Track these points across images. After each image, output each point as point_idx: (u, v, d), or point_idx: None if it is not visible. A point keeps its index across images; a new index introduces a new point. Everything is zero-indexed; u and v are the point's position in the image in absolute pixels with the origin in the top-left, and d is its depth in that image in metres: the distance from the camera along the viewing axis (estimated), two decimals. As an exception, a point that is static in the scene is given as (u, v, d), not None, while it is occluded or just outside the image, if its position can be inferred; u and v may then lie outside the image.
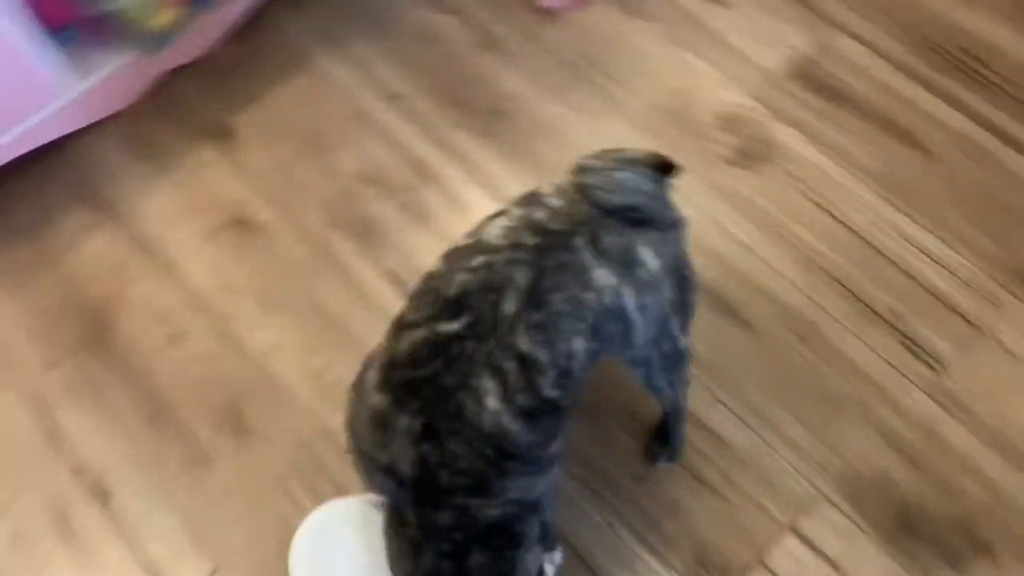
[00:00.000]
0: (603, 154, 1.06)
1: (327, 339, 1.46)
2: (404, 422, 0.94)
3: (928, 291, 1.46)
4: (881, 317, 1.44)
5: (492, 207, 1.62)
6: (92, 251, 1.55)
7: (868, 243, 1.50)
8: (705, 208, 1.54)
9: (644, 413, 1.35)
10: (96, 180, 1.61)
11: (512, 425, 0.94)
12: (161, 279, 1.52)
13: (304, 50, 1.72)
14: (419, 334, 0.95)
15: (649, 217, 1.02)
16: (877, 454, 1.35)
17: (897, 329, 1.43)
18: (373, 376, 0.99)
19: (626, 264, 0.99)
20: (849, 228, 1.51)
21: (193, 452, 1.38)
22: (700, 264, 1.48)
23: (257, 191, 1.59)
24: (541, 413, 0.96)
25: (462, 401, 0.92)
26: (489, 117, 1.65)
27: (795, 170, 1.58)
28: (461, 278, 0.96)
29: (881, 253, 1.49)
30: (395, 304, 1.46)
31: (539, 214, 0.99)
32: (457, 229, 1.56)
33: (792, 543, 1.29)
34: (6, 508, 1.35)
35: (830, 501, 1.32)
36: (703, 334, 1.43)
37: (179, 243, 1.55)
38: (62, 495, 1.36)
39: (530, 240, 0.96)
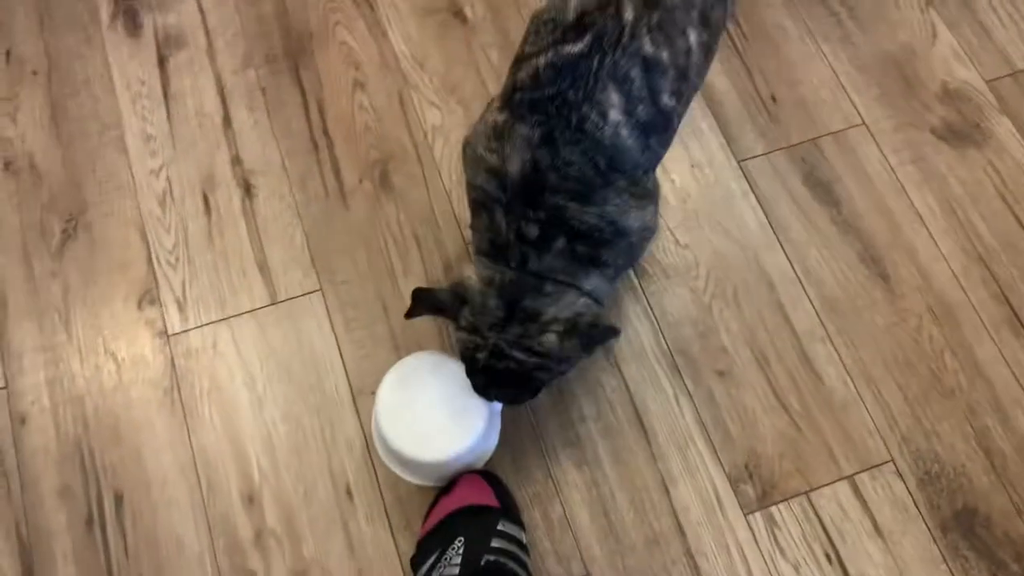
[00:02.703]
0: None
1: (489, 141, 1.52)
2: (523, 130, 1.00)
3: (1086, 326, 1.39)
4: (1026, 332, 1.38)
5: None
6: (317, -15, 1.65)
7: (1044, 257, 1.43)
8: (896, 167, 1.50)
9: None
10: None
11: (628, 139, 0.99)
12: (368, 31, 1.60)
13: None
14: (541, 60, 1.00)
15: None
16: (965, 452, 1.30)
17: (1037, 349, 1.37)
18: (494, 106, 1.06)
19: None
20: (1031, 237, 1.45)
21: (336, 188, 1.47)
22: (869, 216, 1.47)
23: (479, -10, 1.65)
24: (654, 128, 1.01)
25: (586, 114, 0.97)
26: None
27: (999, 164, 1.50)
28: (575, 2, 1.00)
29: (1054, 273, 1.42)
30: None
31: None
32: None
33: (845, 492, 1.28)
34: (170, 163, 1.48)
35: (899, 472, 1.29)
36: (841, 273, 1.41)
37: (396, 8, 1.62)
38: (216, 173, 1.47)
39: None
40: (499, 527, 1.16)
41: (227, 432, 1.30)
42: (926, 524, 1.26)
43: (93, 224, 1.43)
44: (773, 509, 1.26)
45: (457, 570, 1.10)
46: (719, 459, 1.29)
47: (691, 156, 1.51)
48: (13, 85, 1.53)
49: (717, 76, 1.57)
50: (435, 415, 1.19)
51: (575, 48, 0.98)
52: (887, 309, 1.40)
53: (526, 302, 1.06)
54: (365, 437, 1.30)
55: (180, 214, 1.44)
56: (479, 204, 1.08)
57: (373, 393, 1.31)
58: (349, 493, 1.26)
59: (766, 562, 1.23)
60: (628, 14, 0.98)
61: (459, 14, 1.62)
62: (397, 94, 1.55)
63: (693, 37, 1.02)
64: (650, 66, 0.99)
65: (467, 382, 1.18)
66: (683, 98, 1.06)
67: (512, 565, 1.14)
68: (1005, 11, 1.64)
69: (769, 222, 1.45)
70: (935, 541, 1.25)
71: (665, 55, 1.00)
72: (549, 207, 1.01)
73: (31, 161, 1.48)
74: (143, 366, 1.34)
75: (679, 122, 1.09)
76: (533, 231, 1.03)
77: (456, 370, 1.21)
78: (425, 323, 1.36)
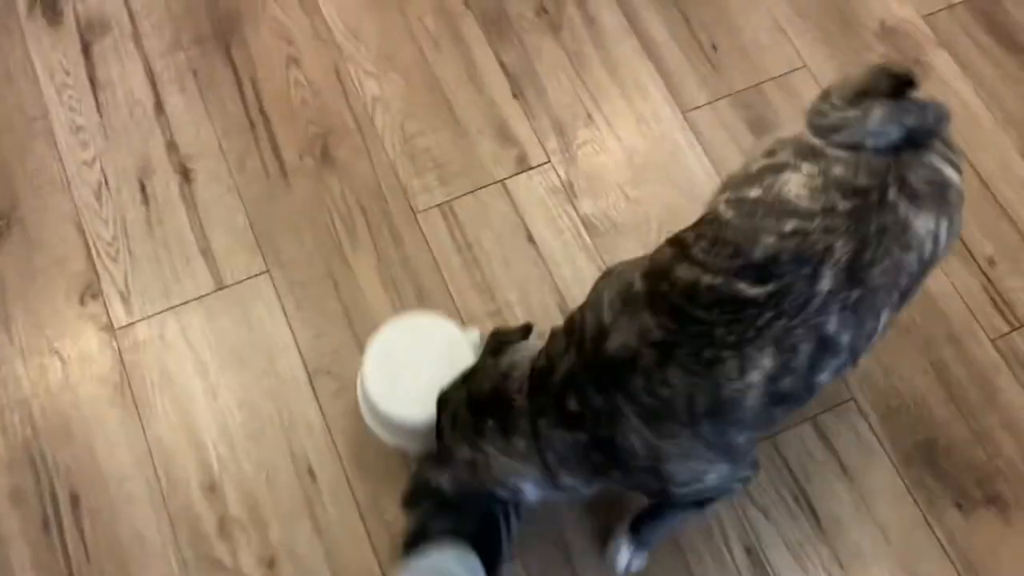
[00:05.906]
0: (835, 98, 0.97)
1: (428, 108, 1.48)
2: (648, 321, 0.90)
3: (1033, 252, 1.40)
4: (976, 262, 1.39)
5: (626, 35, 1.59)
6: (242, -40, 1.60)
7: (988, 188, 1.44)
8: (836, 107, 1.50)
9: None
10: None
11: (753, 402, 0.88)
12: (299, 4, 1.56)
13: None
14: (706, 278, 0.88)
15: (930, 129, 0.95)
16: (924, 384, 1.32)
17: (988, 278, 1.38)
18: (644, 265, 0.95)
19: (939, 195, 0.92)
20: (974, 168, 1.45)
21: (275, 166, 1.43)
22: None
23: (410, -46, 1.61)
24: (791, 400, 0.91)
25: (723, 358, 0.86)
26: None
27: (938, 96, 1.50)
28: (770, 242, 0.87)
29: (998, 202, 1.43)
30: (502, 95, 1.49)
31: (837, 169, 0.90)
32: (582, 48, 1.55)
33: (807, 432, 1.28)
34: (103, 153, 1.43)
35: (860, 410, 1.30)
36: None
37: (323, -21, 1.59)
38: (151, 160, 1.43)
39: (843, 203, 0.88)
40: None
41: (182, 423, 1.27)
42: (890, 459, 1.27)
43: (26, 220, 1.38)
44: (738, 456, 1.27)
45: None
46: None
47: (636, 111, 1.49)
48: (-70, 83, 1.48)
49: (655, 27, 1.56)
50: (424, 374, 1.14)
51: (750, 291, 0.86)
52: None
53: (493, 467, 1.00)
54: (324, 417, 1.27)
55: (117, 204, 1.40)
56: (565, 328, 0.99)
57: (329, 372, 1.29)
58: (312, 474, 1.24)
59: (735, 507, 1.24)
60: (824, 284, 0.86)
61: (390, -20, 1.59)
62: (333, 67, 1.51)
63: (885, 318, 0.90)
64: (825, 346, 0.87)
65: (455, 341, 1.17)
66: (839, 374, 0.93)
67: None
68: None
69: (716, 172, 1.45)
70: (899, 475, 1.26)
71: (846, 338, 0.88)
72: (610, 402, 0.90)
73: (-44, 160, 1.42)
74: (90, 362, 1.30)
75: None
76: (572, 404, 0.93)
77: (445, 329, 1.19)
78: (378, 296, 1.34)
